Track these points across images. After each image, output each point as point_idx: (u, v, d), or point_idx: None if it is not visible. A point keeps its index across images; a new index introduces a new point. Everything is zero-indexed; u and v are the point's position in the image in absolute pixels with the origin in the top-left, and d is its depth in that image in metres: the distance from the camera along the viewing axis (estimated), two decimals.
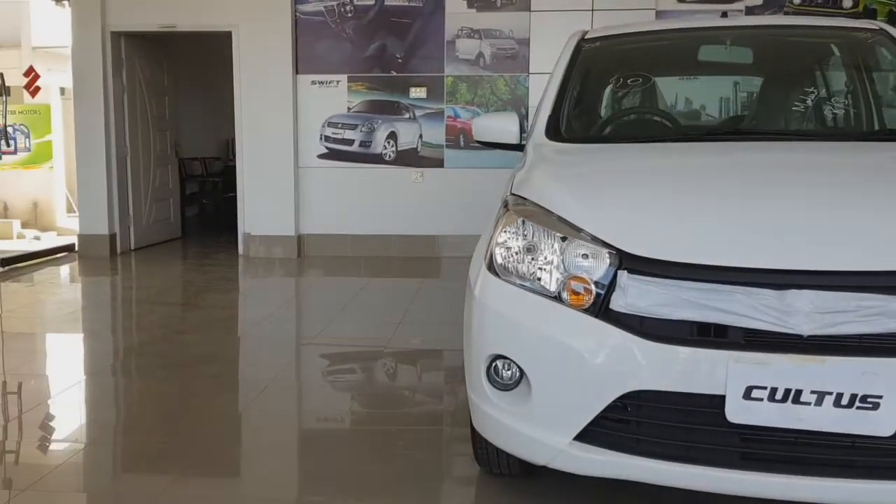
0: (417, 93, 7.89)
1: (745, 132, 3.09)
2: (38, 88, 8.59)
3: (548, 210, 2.22)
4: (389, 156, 7.93)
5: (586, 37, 3.46)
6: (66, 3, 7.73)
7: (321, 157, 7.98)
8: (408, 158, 7.92)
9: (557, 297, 2.08)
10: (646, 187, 2.32)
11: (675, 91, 3.76)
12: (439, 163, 7.89)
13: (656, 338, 1.94)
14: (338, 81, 7.92)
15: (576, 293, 2.05)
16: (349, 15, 7.86)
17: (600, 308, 2.00)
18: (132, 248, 8.45)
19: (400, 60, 7.86)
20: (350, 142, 7.94)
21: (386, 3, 7.82)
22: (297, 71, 7.89)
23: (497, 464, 2.57)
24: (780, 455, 1.92)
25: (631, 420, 2.01)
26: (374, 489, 2.65)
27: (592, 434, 2.02)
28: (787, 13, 7.62)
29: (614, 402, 1.97)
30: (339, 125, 7.96)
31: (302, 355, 4.47)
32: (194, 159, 10.64)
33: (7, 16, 15.22)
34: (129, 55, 8.32)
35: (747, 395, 1.86)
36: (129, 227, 8.43)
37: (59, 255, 8.09)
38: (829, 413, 1.83)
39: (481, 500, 2.61)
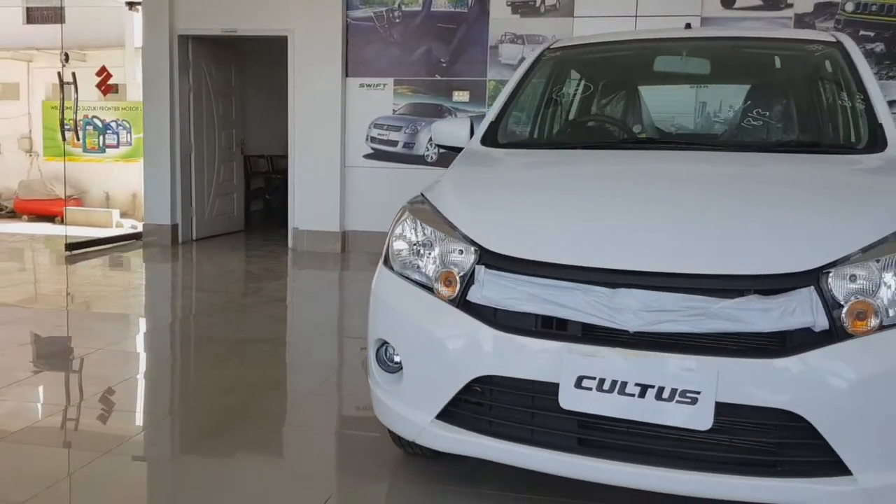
0: (460, 96, 8.11)
1: (662, 142, 3.19)
2: (109, 87, 9.26)
3: (437, 209, 2.42)
4: (431, 157, 8.18)
5: (552, 46, 3.61)
6: (139, 7, 8.30)
7: (366, 157, 8.31)
8: (449, 160, 8.12)
9: (431, 289, 2.27)
10: (519, 191, 2.49)
11: (625, 100, 3.85)
12: None
13: (505, 328, 2.11)
14: (384, 84, 8.23)
15: (447, 285, 2.24)
16: (397, 20, 8.16)
17: (460, 299, 2.19)
18: (193, 238, 9.01)
19: (444, 64, 8.10)
20: (394, 143, 8.24)
21: (432, 8, 8.07)
22: (346, 74, 8.24)
23: (408, 443, 2.77)
24: (612, 443, 2.05)
25: (484, 403, 2.18)
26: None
27: (451, 414, 2.21)
28: (838, 20, 7.46)
29: (468, 385, 2.15)
30: (385, 127, 8.26)
31: (341, 343, 4.74)
32: (260, 157, 11.18)
33: (112, 18, 16.32)
34: (197, 57, 8.88)
35: (578, 384, 2.01)
36: (191, 219, 8.99)
37: (124, 243, 8.72)
38: (652, 405, 1.96)
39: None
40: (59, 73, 8.17)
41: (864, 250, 1.98)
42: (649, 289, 1.98)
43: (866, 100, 2.81)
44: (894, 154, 2.55)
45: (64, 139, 8.26)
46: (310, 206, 8.35)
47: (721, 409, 1.92)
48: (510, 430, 2.14)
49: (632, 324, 1.98)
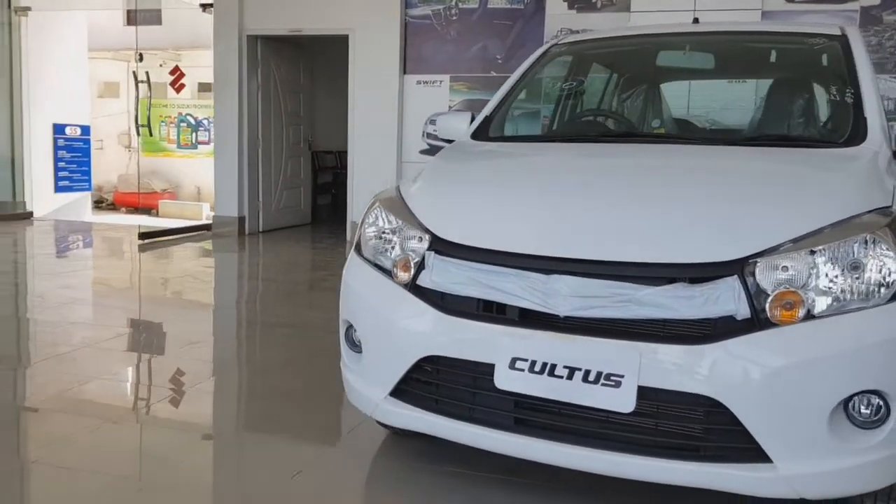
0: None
1: (639, 135, 3.21)
2: (182, 85, 9.75)
3: (402, 199, 2.54)
4: None
5: (560, 41, 3.67)
6: (211, 9, 8.73)
7: (423, 152, 8.47)
8: None
9: (390, 274, 2.39)
10: (476, 182, 2.59)
11: (622, 94, 3.87)
12: None
13: (450, 311, 2.21)
14: (441, 81, 8.38)
15: (404, 270, 2.36)
16: (454, 18, 8.29)
17: (412, 284, 2.30)
18: (260, 230, 9.40)
19: (500, 61, 8.18)
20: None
21: (489, 5, 8.17)
22: (404, 71, 8.43)
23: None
24: (545, 423, 2.13)
25: (432, 382, 2.29)
26: None
27: (403, 392, 2.33)
28: None
29: (417, 364, 2.26)
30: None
31: None
32: (328, 152, 11.51)
33: (205, 20, 17.09)
34: (266, 56, 9.25)
35: (512, 365, 2.10)
36: (258, 212, 9.38)
37: (195, 233, 9.18)
38: (579, 387, 2.03)
39: None
40: (133, 73, 8.67)
41: (797, 241, 1.99)
42: (580, 275, 2.05)
43: (857, 94, 2.77)
44: (869, 148, 2.51)
45: (138, 133, 8.74)
46: (367, 200, 8.55)
47: (644, 392, 1.97)
48: (455, 409, 2.25)
49: (562, 308, 2.05)
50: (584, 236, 2.12)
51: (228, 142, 9.01)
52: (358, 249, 2.58)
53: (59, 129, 11.48)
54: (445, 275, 2.23)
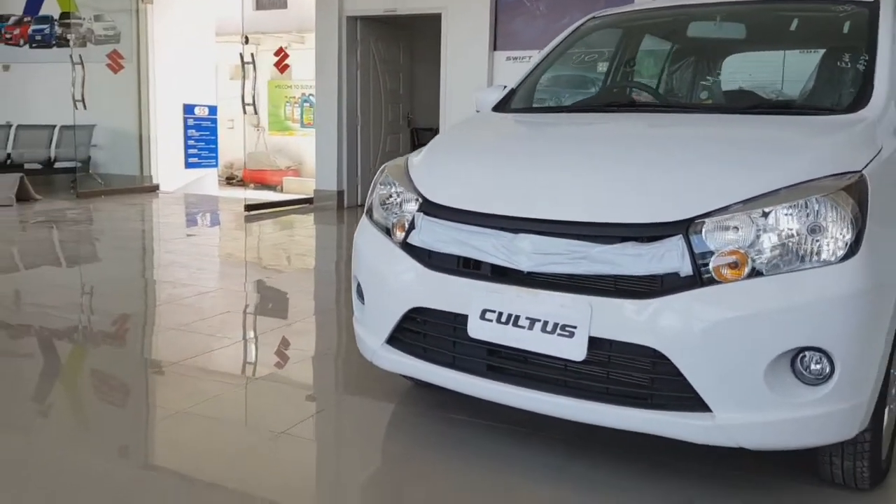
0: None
1: (646, 105, 3.25)
2: (286, 66, 10.28)
3: (406, 167, 2.77)
4: None
5: (597, 14, 3.78)
6: None
7: None
8: None
9: (389, 234, 2.63)
10: (470, 149, 2.78)
11: (646, 66, 3.90)
12: None
13: (434, 267, 2.43)
14: (529, 57, 8.45)
15: (400, 230, 2.60)
16: None
17: (404, 242, 2.53)
18: (358, 203, 9.84)
19: None
20: None
21: None
22: (494, 47, 8.59)
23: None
24: (513, 369, 2.32)
25: (419, 332, 2.52)
26: None
27: (396, 340, 2.57)
28: None
29: (407, 315, 2.50)
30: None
31: None
32: (427, 129, 11.81)
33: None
34: (365, 36, 9.63)
35: (482, 316, 2.30)
36: (356, 186, 9.82)
37: (297, 206, 9.74)
38: (538, 337, 2.20)
39: None
40: (240, 54, 9.25)
41: (748, 202, 2.08)
42: (542, 234, 2.22)
43: (871, 60, 2.75)
44: (866, 115, 2.51)
45: (244, 112, 9.33)
46: None
47: (595, 342, 2.13)
48: (439, 356, 2.46)
49: (525, 265, 2.23)
50: (547, 198, 2.29)
51: (328, 119, 9.48)
52: (369, 213, 2.82)
53: (188, 109, 12.39)
54: (431, 234, 2.44)
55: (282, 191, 17.93)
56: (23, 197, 9.24)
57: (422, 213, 2.50)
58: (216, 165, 14.12)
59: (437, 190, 2.53)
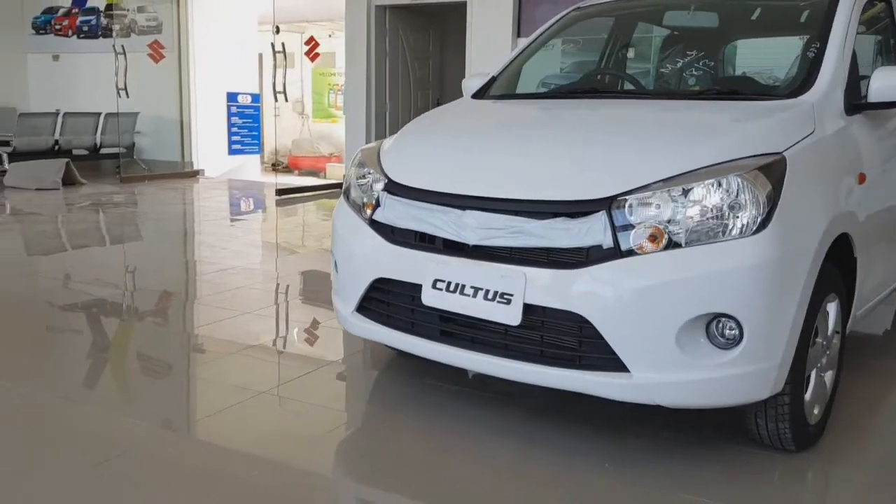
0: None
1: (608, 91, 3.43)
2: (317, 55, 10.57)
3: (378, 150, 3.00)
4: None
5: (581, 5, 3.95)
6: None
7: None
8: None
9: (359, 212, 2.87)
10: (436, 133, 3.01)
11: (619, 54, 4.06)
12: None
13: (395, 241, 2.67)
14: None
15: (369, 208, 2.83)
16: None
17: (370, 218, 2.77)
18: None
19: None
20: None
21: None
22: (517, 34, 8.74)
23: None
24: (462, 334, 2.54)
25: (383, 301, 2.76)
26: None
27: (364, 308, 2.81)
28: None
29: (372, 285, 2.74)
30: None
31: None
32: None
33: None
34: (394, 25, 9.85)
35: (434, 285, 2.52)
36: None
37: (326, 191, 10.05)
38: (481, 304, 2.42)
39: None
40: (272, 43, 9.57)
41: (668, 180, 2.26)
42: (485, 211, 2.44)
43: (822, 48, 2.88)
44: (806, 100, 2.65)
45: (276, 100, 9.66)
46: None
47: (529, 309, 2.34)
48: (400, 323, 2.70)
49: (470, 238, 2.45)
50: (491, 178, 2.51)
51: (358, 106, 9.74)
52: (346, 194, 3.07)
53: (231, 97, 12.82)
54: (393, 211, 2.68)
55: (325, 177, 18.33)
56: (69, 181, 9.72)
57: (386, 192, 2.73)
58: (259, 152, 14.53)
59: (399, 171, 2.76)
